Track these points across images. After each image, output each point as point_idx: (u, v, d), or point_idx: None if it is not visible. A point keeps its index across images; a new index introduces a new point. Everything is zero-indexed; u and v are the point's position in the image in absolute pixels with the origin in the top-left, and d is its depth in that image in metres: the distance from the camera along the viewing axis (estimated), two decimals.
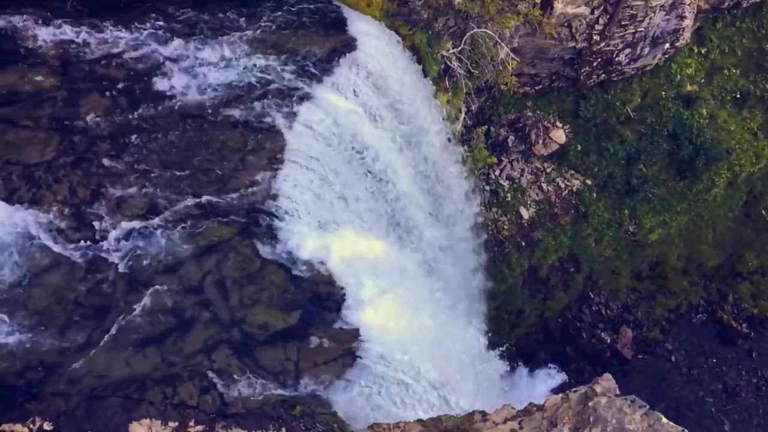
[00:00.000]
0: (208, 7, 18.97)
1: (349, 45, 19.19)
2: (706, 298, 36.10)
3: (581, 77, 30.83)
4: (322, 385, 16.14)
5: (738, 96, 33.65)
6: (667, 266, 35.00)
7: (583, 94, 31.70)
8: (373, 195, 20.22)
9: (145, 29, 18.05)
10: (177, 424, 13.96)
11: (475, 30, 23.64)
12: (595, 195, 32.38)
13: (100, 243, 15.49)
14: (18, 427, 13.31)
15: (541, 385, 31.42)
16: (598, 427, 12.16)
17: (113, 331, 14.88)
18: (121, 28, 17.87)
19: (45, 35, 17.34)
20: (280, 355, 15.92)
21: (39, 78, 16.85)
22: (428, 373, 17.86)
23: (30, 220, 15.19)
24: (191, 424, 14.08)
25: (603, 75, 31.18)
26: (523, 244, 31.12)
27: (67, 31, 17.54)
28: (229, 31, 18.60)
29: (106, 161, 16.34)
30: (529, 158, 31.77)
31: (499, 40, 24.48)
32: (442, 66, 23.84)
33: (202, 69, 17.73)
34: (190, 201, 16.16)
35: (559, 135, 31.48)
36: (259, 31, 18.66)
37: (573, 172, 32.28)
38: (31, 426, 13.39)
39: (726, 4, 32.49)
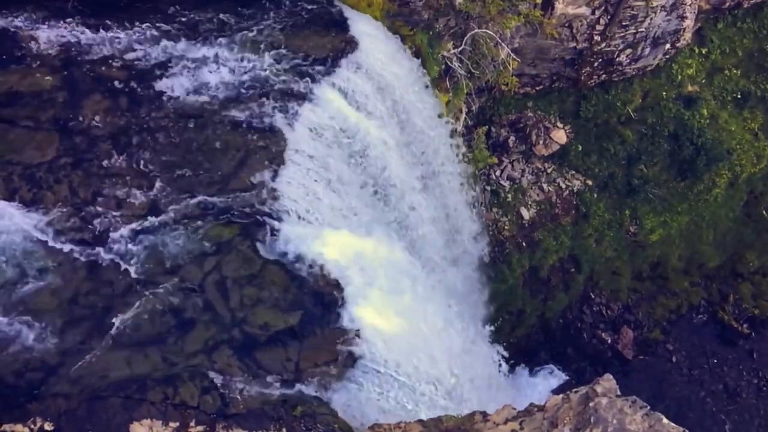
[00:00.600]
0: (208, 8, 18.99)
1: (350, 45, 19.19)
2: (706, 298, 36.09)
3: (582, 77, 30.83)
4: (323, 385, 16.13)
5: (739, 96, 33.65)
6: (667, 267, 35.00)
7: (584, 95, 31.71)
8: (373, 195, 20.23)
9: (145, 30, 18.06)
10: (178, 424, 13.95)
11: (476, 30, 23.65)
12: (595, 195, 32.38)
13: (101, 243, 15.49)
14: (19, 427, 13.31)
15: (542, 385, 31.45)
16: (598, 428, 12.15)
17: (114, 331, 14.87)
18: (122, 29, 17.90)
19: (46, 35, 17.36)
20: (281, 355, 15.91)
21: (40, 78, 16.86)
22: (429, 374, 17.85)
23: (31, 221, 15.19)
24: (192, 424, 14.07)
25: (604, 75, 31.18)
26: (523, 244, 31.12)
27: (68, 32, 17.56)
28: (230, 31, 18.62)
29: (106, 162, 16.36)
30: (529, 158, 31.77)
31: (499, 41, 24.50)
32: (443, 66, 23.85)
33: (202, 69, 17.74)
34: (190, 201, 16.16)
35: (560, 135, 31.48)
36: (259, 31, 18.67)
37: (574, 172, 32.29)
38: (32, 426, 13.38)
39: (727, 4, 32.48)
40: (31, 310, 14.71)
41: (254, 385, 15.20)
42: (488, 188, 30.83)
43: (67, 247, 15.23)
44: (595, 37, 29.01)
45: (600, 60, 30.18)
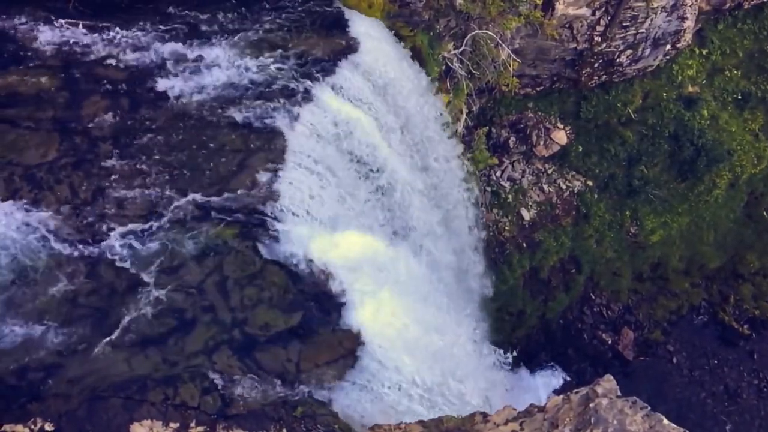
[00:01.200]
0: (208, 8, 18.99)
1: (351, 46, 19.19)
2: (707, 299, 36.10)
3: (582, 78, 30.83)
4: (324, 386, 16.14)
5: (739, 97, 33.66)
6: (668, 267, 35.00)
7: (585, 96, 31.71)
8: (373, 196, 20.22)
9: (146, 30, 18.08)
10: (178, 424, 13.96)
11: (477, 31, 23.65)
12: (596, 196, 32.38)
13: (102, 244, 15.48)
14: (19, 427, 13.32)
15: (543, 386, 31.43)
16: (599, 429, 12.15)
17: (114, 331, 14.87)
18: (122, 29, 17.90)
19: (46, 36, 17.37)
20: (281, 356, 15.92)
21: (40, 79, 16.87)
22: (429, 374, 17.84)
23: (31, 221, 15.19)
24: (192, 424, 14.08)
25: (604, 76, 31.18)
26: (524, 245, 31.12)
27: (69, 32, 17.57)
28: (230, 31, 18.62)
29: (107, 162, 16.35)
30: (530, 159, 31.78)
31: (500, 42, 24.50)
32: (444, 67, 23.85)
33: (203, 70, 17.75)
34: (191, 202, 16.16)
35: (560, 136, 31.48)
36: (260, 31, 18.68)
37: (574, 173, 32.29)
38: (33, 427, 13.39)
39: (727, 5, 32.49)
40: (31, 311, 14.71)
41: (255, 385, 15.21)
42: (489, 189, 30.83)
43: (67, 248, 15.23)
44: (596, 38, 29.01)
45: (600, 61, 30.18)
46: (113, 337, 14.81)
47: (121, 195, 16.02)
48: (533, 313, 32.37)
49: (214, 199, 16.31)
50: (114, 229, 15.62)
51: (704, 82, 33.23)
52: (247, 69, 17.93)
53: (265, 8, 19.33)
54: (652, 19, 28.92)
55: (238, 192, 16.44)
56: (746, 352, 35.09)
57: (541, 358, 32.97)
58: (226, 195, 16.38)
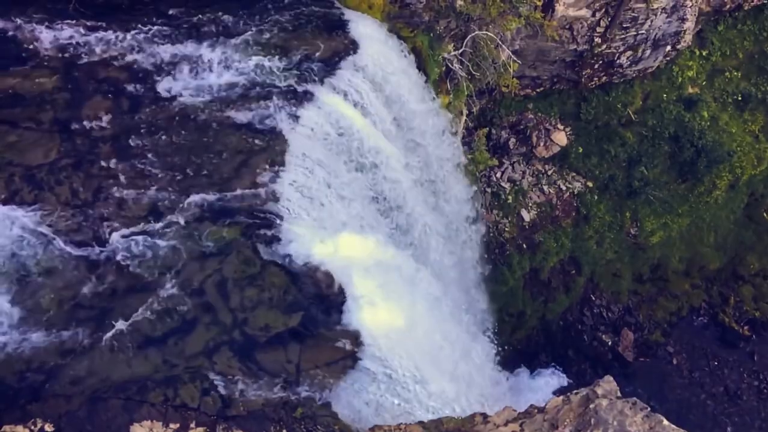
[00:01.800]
0: (209, 9, 19.00)
1: (351, 47, 19.20)
2: (707, 300, 36.12)
3: (582, 79, 30.86)
4: (324, 387, 16.12)
5: (739, 98, 33.68)
6: (668, 269, 35.02)
7: (585, 97, 31.74)
8: (373, 196, 20.23)
9: (146, 31, 18.08)
10: (178, 425, 13.96)
11: (477, 32, 23.67)
12: (596, 197, 32.39)
13: (102, 245, 15.49)
14: (19, 428, 13.31)
15: (543, 387, 31.41)
16: (599, 429, 12.15)
17: (115, 332, 14.87)
18: (123, 30, 17.91)
19: (47, 37, 17.38)
20: (282, 357, 15.90)
21: (41, 80, 16.88)
22: (429, 375, 17.84)
23: (32, 222, 15.20)
24: (192, 425, 14.07)
25: (604, 77, 31.21)
26: (524, 246, 31.14)
27: (69, 33, 17.58)
28: (231, 33, 18.63)
29: (107, 163, 16.36)
30: (530, 160, 31.79)
31: (500, 43, 24.52)
32: (444, 68, 23.87)
33: (203, 71, 17.76)
34: (191, 202, 16.16)
35: (561, 137, 31.50)
36: (260, 33, 18.68)
37: (574, 174, 32.30)
38: (33, 427, 13.39)
39: (727, 6, 32.52)
40: (32, 311, 14.72)
41: (255, 386, 15.20)
42: (489, 190, 30.85)
43: (68, 248, 15.23)
44: (596, 39, 29.03)
45: (600, 62, 30.20)
46: (114, 337, 14.81)
47: (122, 196, 16.03)
48: (533, 315, 32.40)
49: (214, 199, 16.32)
50: (115, 229, 15.63)
51: (704, 83, 33.26)
52: (247, 70, 17.94)
53: (266, 9, 19.34)
54: (652, 21, 28.94)
55: (239, 193, 16.44)
56: (746, 354, 35.11)
57: (542, 359, 32.97)
58: (226, 196, 16.39)
